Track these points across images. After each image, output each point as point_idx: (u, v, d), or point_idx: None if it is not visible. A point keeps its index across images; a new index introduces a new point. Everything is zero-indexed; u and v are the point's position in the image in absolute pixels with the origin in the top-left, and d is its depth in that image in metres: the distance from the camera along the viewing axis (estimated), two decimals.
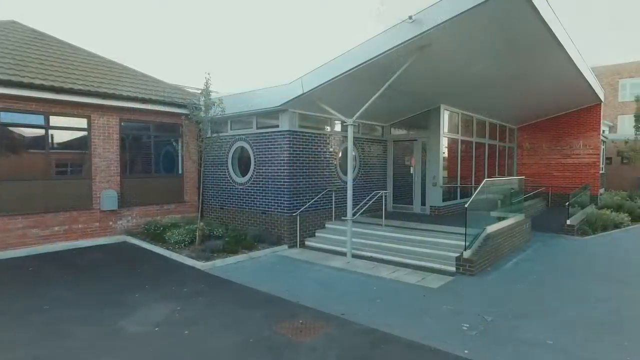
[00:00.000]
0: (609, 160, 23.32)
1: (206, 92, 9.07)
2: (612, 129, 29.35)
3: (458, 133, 13.34)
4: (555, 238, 10.98)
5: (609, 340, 4.76)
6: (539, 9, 6.91)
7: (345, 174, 9.81)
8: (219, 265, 8.11)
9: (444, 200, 12.19)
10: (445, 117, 12.33)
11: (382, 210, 10.39)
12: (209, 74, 9.00)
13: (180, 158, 11.69)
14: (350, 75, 8.04)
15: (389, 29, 7.20)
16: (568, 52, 9.39)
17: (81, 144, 9.85)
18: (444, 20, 6.51)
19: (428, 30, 6.71)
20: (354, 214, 8.97)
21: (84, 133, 9.82)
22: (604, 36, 72.54)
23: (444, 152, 12.33)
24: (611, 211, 13.53)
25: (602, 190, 18.22)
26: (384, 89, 8.04)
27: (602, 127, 17.92)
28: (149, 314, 5.55)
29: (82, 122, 9.74)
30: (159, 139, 11.46)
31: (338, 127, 10.99)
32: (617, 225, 12.69)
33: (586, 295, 6.43)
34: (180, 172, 11.76)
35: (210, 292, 6.57)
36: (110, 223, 10.22)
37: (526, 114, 16.61)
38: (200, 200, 9.87)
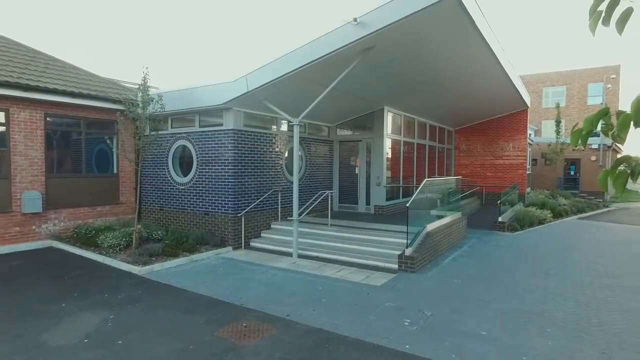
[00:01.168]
0: (534, 161, 25.39)
1: (144, 87, 8.60)
2: (537, 132, 31.99)
3: (401, 134, 13.80)
4: (489, 234, 11.72)
5: (535, 328, 5.14)
6: (473, 18, 7.31)
7: (292, 174, 9.76)
8: (158, 269, 7.70)
9: (387, 199, 12.55)
10: (388, 118, 12.70)
11: (328, 210, 10.47)
12: (147, 68, 8.56)
13: (115, 157, 10.96)
14: (296, 75, 7.99)
15: (334, 30, 7.23)
16: (500, 60, 10.06)
17: None
18: (388, 23, 6.65)
19: (372, 33, 6.83)
20: (300, 214, 8.94)
21: (2, 128, 8.88)
22: (531, 47, 78.96)
23: (387, 153, 12.69)
24: (536, 208, 14.77)
25: (529, 190, 19.79)
26: (329, 90, 8.09)
27: (529, 131, 19.45)
28: (77, 324, 5.12)
29: None
30: (92, 136, 10.67)
31: (285, 127, 10.90)
32: (541, 222, 13.85)
33: (515, 287, 6.90)
34: (115, 171, 11.02)
35: (148, 298, 6.20)
36: (34, 227, 9.34)
37: (463, 116, 17.59)
38: (138, 201, 9.34)
